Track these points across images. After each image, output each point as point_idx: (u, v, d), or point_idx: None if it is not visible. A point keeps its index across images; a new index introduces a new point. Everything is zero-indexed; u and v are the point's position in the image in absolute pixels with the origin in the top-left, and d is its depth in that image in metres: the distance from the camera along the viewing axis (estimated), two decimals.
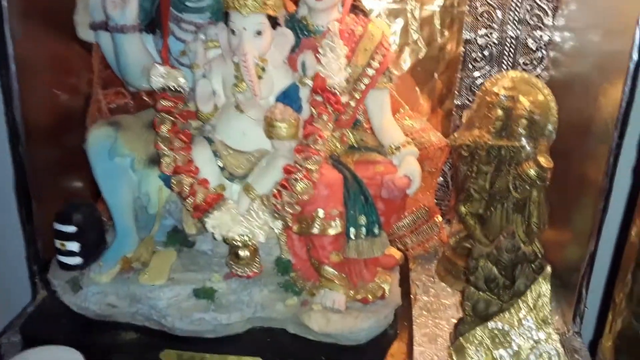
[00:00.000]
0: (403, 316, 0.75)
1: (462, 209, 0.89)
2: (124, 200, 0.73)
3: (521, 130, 0.81)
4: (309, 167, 0.65)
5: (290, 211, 0.66)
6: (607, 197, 0.74)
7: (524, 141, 0.82)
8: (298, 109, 0.70)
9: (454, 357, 0.68)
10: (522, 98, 0.82)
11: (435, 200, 1.05)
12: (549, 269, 0.64)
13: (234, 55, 0.66)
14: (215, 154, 0.69)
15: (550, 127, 0.82)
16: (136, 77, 0.73)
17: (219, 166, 0.69)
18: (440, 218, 0.98)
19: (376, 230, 0.70)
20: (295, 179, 0.65)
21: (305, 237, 0.70)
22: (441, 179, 1.07)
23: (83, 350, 0.66)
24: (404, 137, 0.75)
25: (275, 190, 0.66)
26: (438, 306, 0.85)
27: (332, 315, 0.68)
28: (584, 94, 0.81)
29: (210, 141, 0.69)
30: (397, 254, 0.80)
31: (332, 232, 0.67)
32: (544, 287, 0.64)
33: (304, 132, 0.67)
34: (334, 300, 0.69)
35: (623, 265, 0.54)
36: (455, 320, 0.82)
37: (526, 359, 0.64)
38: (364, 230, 0.69)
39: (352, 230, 0.69)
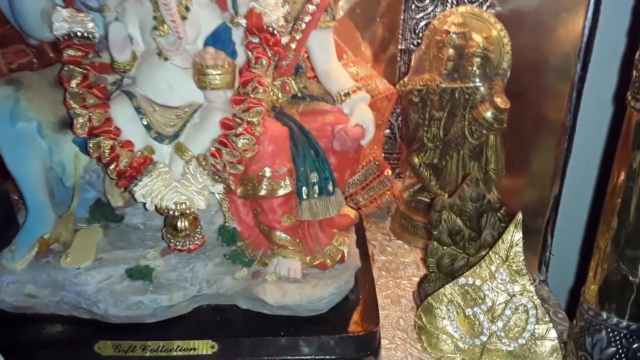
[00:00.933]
0: (364, 279, 0.68)
1: (415, 159, 0.83)
2: (33, 172, 0.62)
3: (475, 70, 0.76)
4: (250, 119, 0.57)
5: (233, 172, 0.57)
6: (571, 137, 0.69)
7: (478, 82, 0.76)
8: (232, 53, 0.60)
9: (423, 319, 0.63)
10: (474, 35, 0.76)
11: (384, 154, 0.99)
12: (520, 215, 0.59)
13: None
14: (139, 110, 0.58)
15: (504, 64, 0.77)
16: (36, 24, 0.61)
17: (144, 125, 0.59)
18: (390, 172, 0.92)
19: (330, 188, 0.62)
20: (236, 134, 0.56)
21: (252, 201, 0.62)
22: (388, 131, 1.01)
23: (1, 350, 0.56)
24: (353, 81, 0.67)
25: (213, 149, 0.57)
26: (397, 265, 0.80)
27: (289, 286, 0.60)
28: (537, 28, 0.76)
29: (131, 96, 0.59)
30: (352, 213, 0.73)
31: (282, 192, 0.59)
32: (516, 236, 0.59)
33: (240, 79, 0.58)
34: (289, 268, 0.61)
35: (606, 208, 0.49)
36: (416, 279, 0.77)
37: (501, 314, 0.59)
38: (317, 188, 0.62)
39: (303, 189, 0.61)
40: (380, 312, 0.69)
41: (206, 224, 0.64)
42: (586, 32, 0.64)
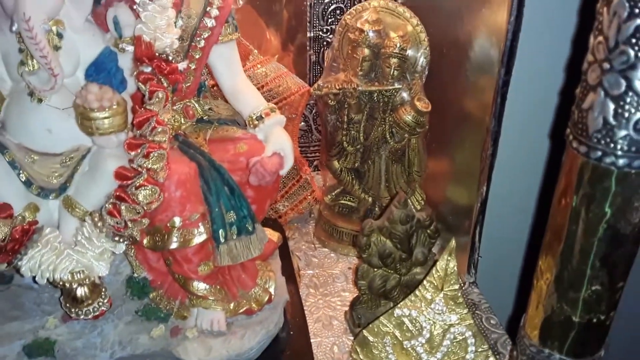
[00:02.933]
0: (293, 308, 0.64)
1: (336, 164, 0.78)
2: None
3: (393, 72, 0.71)
4: (150, 166, 0.49)
5: (136, 229, 0.50)
6: (496, 141, 0.66)
7: (397, 84, 0.72)
8: (120, 83, 0.52)
9: (360, 353, 0.59)
10: (391, 33, 0.70)
11: (300, 148, 0.93)
12: (453, 242, 0.56)
13: (12, 22, 0.46)
14: (13, 164, 0.49)
15: (422, 61, 0.72)
16: None
17: (23, 181, 0.49)
18: (309, 170, 0.87)
19: (250, 226, 0.56)
20: (135, 186, 0.49)
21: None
22: (303, 123, 0.95)
23: None
24: (265, 102, 0.60)
25: (109, 206, 0.49)
26: (325, 279, 0.76)
27: (213, 341, 0.55)
28: (456, 21, 0.71)
29: (2, 149, 0.49)
30: (275, 236, 0.68)
31: (196, 241, 0.52)
32: (450, 264, 0.56)
33: (135, 119, 0.50)
34: (211, 320, 0.56)
35: (546, 248, 0.47)
36: (346, 294, 0.73)
37: (440, 344, 0.57)
38: (235, 229, 0.56)
39: (220, 232, 0.55)
40: (312, 340, 0.66)
41: (111, 275, 0.57)
42: (509, 35, 0.60)
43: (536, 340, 0.50)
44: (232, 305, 0.57)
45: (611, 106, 0.39)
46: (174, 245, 0.52)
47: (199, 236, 0.52)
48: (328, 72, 0.75)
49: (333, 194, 0.82)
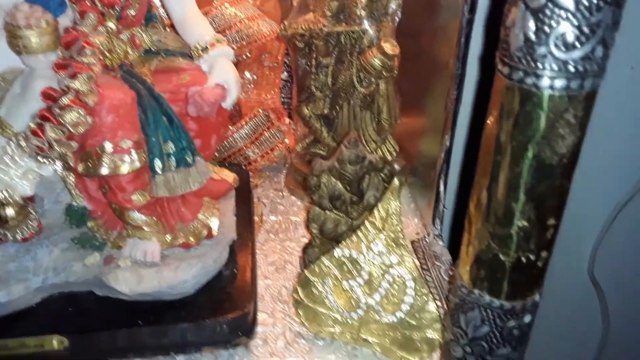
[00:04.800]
0: (243, 250, 0.63)
1: (305, 110, 0.76)
2: None
3: (361, 11, 0.68)
4: (77, 87, 0.48)
5: (64, 150, 0.49)
6: (460, 85, 0.64)
7: (365, 24, 0.69)
8: (58, 6, 0.51)
9: (300, 293, 0.58)
10: None
11: (283, 99, 0.92)
12: (396, 182, 0.54)
13: None
14: None
15: (393, 4, 0.69)
16: None
17: None
18: (287, 120, 0.86)
19: (189, 159, 0.55)
20: (61, 107, 0.48)
21: (99, 178, 0.54)
22: (286, 74, 0.93)
23: None
24: (213, 32, 0.58)
25: (33, 125, 0.48)
26: (287, 226, 0.75)
27: (145, 271, 0.54)
28: None
29: None
30: (230, 177, 0.66)
31: (126, 169, 0.51)
32: (392, 205, 0.54)
33: (63, 39, 0.49)
34: (145, 251, 0.55)
35: (477, 180, 0.44)
36: (306, 240, 0.72)
37: (378, 286, 0.55)
38: (173, 160, 0.55)
39: (157, 162, 0.54)
40: (262, 281, 0.65)
41: (51, 203, 0.57)
42: None
43: (467, 281, 0.48)
44: (168, 237, 0.56)
45: (531, 20, 0.36)
46: (104, 171, 0.51)
47: (131, 164, 0.51)
48: (297, 13, 0.73)
49: (305, 142, 0.80)
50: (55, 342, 0.52)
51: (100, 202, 0.57)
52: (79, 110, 0.48)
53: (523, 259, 0.44)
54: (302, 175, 0.79)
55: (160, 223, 0.56)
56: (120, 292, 0.54)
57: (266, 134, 0.81)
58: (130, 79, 0.55)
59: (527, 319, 0.47)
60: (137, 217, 0.54)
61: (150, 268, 0.54)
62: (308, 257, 0.65)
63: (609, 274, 1.09)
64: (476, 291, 0.47)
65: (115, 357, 0.54)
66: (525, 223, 0.42)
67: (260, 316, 0.60)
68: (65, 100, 0.48)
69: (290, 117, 0.88)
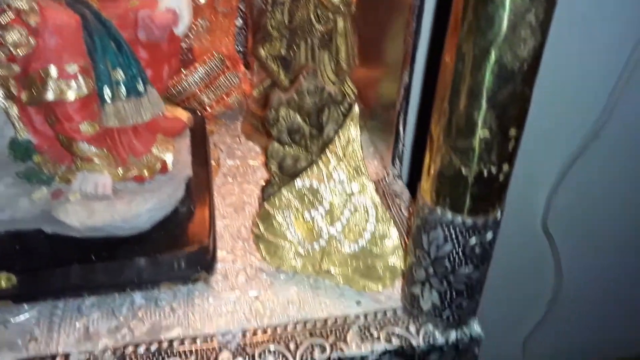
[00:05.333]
0: (200, 188, 0.61)
1: (261, 51, 0.74)
2: None
3: None
4: (18, 5, 0.45)
5: (4, 72, 0.46)
6: (419, 18, 0.63)
7: None
8: None
9: (260, 227, 0.57)
10: None
11: (237, 49, 0.89)
12: (356, 109, 0.53)
13: None
14: None
15: None
16: None
17: None
18: (242, 69, 0.83)
19: (140, 87, 0.53)
20: (1, 26, 0.45)
21: (45, 108, 0.52)
22: (240, 21, 0.90)
23: None
24: None
25: None
26: (245, 169, 0.73)
27: (96, 204, 0.52)
28: None
29: None
30: (184, 115, 0.64)
31: (72, 95, 0.49)
32: (352, 131, 0.53)
33: None
34: (96, 183, 0.53)
35: (438, 94, 0.44)
36: (264, 183, 0.70)
37: (340, 215, 0.54)
38: (123, 88, 0.52)
39: (106, 90, 0.51)
40: (221, 221, 0.63)
41: None
42: None
43: (429, 200, 0.47)
44: (120, 170, 0.54)
45: None
46: (49, 96, 0.48)
47: (77, 90, 0.49)
48: None
49: (261, 86, 0.78)
50: (3, 280, 0.50)
51: (46, 136, 0.54)
52: (21, 29, 0.45)
53: (485, 172, 0.44)
54: (260, 120, 0.78)
55: (111, 156, 0.53)
56: (70, 228, 0.52)
57: (221, 78, 0.79)
58: (74, 4, 0.52)
59: (489, 235, 0.48)
60: (87, 148, 0.52)
61: (102, 201, 0.52)
62: (267, 195, 0.64)
63: (562, 226, 1.11)
64: (439, 209, 0.47)
65: (68, 295, 0.52)
66: (487, 133, 0.42)
67: (220, 254, 0.59)
68: (5, 18, 0.45)
69: (245, 65, 0.86)
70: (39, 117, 0.53)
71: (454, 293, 0.50)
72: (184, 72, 0.77)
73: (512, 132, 0.42)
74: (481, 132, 0.42)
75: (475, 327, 0.53)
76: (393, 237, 0.54)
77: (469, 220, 0.46)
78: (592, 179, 1.05)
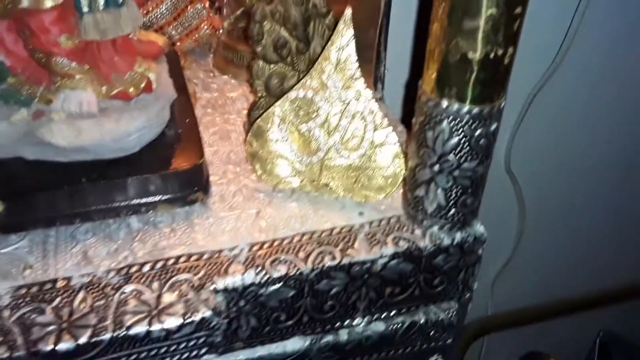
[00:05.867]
0: (182, 113, 0.58)
1: None
2: None
3: None
4: None
5: None
6: None
7: None
8: None
9: (254, 144, 0.55)
10: None
11: None
12: (349, 11, 0.51)
13: None
14: None
15: None
16: None
17: None
18: (206, 3, 0.80)
19: None
20: None
21: (17, 24, 0.48)
22: None
23: None
24: None
25: None
26: (224, 101, 0.71)
27: (83, 123, 0.49)
28: None
29: None
30: (160, 39, 0.61)
31: (50, 3, 0.45)
32: (346, 36, 0.51)
33: None
34: (80, 101, 0.49)
35: None
36: (246, 113, 0.68)
37: (337, 125, 0.53)
38: None
39: (83, 0, 0.48)
40: (208, 149, 0.61)
41: None
42: None
43: (433, 93, 0.47)
44: (104, 89, 0.51)
45: None
46: (24, 3, 0.44)
47: None
48: None
49: (232, 17, 0.76)
50: None
51: (20, 57, 0.50)
52: None
53: (491, 55, 0.43)
54: (233, 52, 0.75)
55: (93, 72, 0.50)
56: (55, 151, 0.49)
57: (189, 11, 0.76)
58: None
59: (493, 126, 0.48)
60: (67, 63, 0.48)
61: (88, 120, 0.49)
62: (253, 118, 0.62)
63: (524, 166, 1.13)
64: (444, 101, 0.46)
65: (60, 222, 0.49)
66: (494, 10, 0.41)
67: (212, 178, 0.57)
68: None
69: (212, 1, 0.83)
70: (10, 35, 0.49)
71: (459, 190, 0.50)
72: (150, 4, 0.73)
73: (518, 9, 0.42)
74: (488, 10, 0.41)
75: (479, 228, 0.54)
76: (393, 143, 0.53)
77: (475, 110, 0.46)
78: (553, 117, 1.07)
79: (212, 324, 0.45)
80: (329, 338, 0.54)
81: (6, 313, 0.42)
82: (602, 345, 1.50)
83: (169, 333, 0.43)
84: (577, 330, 1.44)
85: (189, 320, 0.43)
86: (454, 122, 0.47)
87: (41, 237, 0.49)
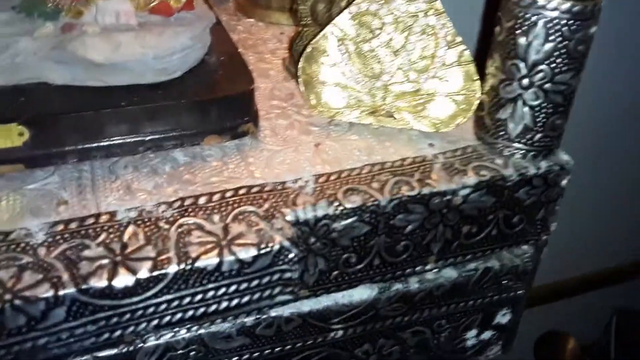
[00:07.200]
0: (221, 41, 0.51)
1: None
2: None
3: None
4: None
5: None
6: None
7: None
8: None
9: (307, 70, 0.49)
10: None
11: None
12: None
13: None
14: None
15: None
16: None
17: None
18: None
19: None
20: None
21: None
22: None
23: None
24: None
25: None
26: (254, 42, 0.64)
27: (121, 36, 0.42)
28: None
29: None
30: None
31: None
32: None
33: None
34: (117, 12, 0.42)
35: None
36: (282, 51, 0.62)
37: (405, 44, 0.47)
38: None
39: None
40: None
41: None
42: None
43: None
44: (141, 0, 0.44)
45: None
46: None
47: None
48: None
49: None
50: (15, 135, 0.39)
51: None
52: None
53: None
54: None
55: None
56: (87, 72, 0.42)
57: None
58: None
59: (593, 29, 0.42)
60: None
61: (126, 32, 0.42)
62: (297, 50, 0.56)
63: None
64: None
65: (95, 155, 0.42)
66: None
67: (260, 113, 0.50)
68: None
69: None
70: None
71: (549, 108, 0.44)
72: None
73: None
74: None
75: (564, 156, 0.48)
76: (467, 63, 0.47)
77: (577, 7, 0.40)
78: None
79: (290, 257, 0.38)
80: (398, 286, 0.48)
81: (42, 251, 0.35)
82: (618, 322, 1.47)
83: (242, 266, 0.36)
84: (592, 308, 1.40)
85: (265, 250, 0.37)
86: (551, 23, 0.41)
87: (73, 172, 0.41)
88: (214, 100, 0.44)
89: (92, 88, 0.42)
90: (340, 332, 0.48)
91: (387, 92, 0.48)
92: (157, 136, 0.43)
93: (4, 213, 0.37)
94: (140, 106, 0.41)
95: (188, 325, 0.40)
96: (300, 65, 0.49)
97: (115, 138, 0.42)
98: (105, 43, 0.41)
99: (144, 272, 0.34)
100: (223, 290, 0.36)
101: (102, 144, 0.42)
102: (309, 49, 0.48)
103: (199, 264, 0.35)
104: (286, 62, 0.58)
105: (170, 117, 0.43)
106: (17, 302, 0.31)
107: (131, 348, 0.38)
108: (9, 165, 0.40)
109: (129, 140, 0.42)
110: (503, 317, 0.57)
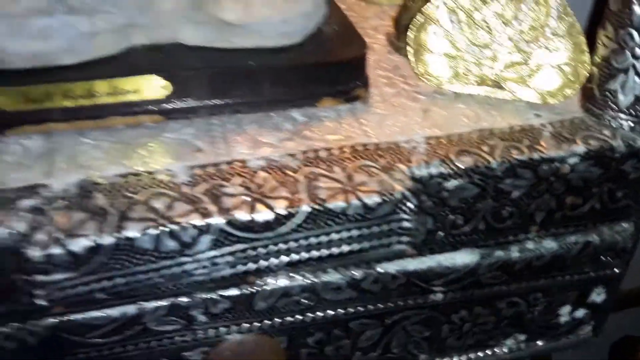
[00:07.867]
0: (332, 11, 0.54)
1: None
2: None
3: None
4: None
5: None
6: None
7: None
8: None
9: (417, 38, 0.50)
10: None
11: None
12: None
13: None
14: None
15: None
16: None
17: None
18: None
19: None
20: None
21: None
22: None
23: None
24: None
25: None
26: (357, 19, 0.66)
27: None
28: None
29: None
30: None
31: None
32: None
33: None
34: None
35: None
36: (384, 28, 0.64)
37: (517, 12, 0.48)
38: None
39: None
40: None
41: None
42: None
43: None
44: None
45: None
46: None
47: None
48: None
49: None
50: (158, 87, 0.43)
51: None
52: None
53: None
54: None
55: None
56: (217, 34, 0.45)
57: None
58: None
59: None
60: None
61: None
62: (403, 25, 0.58)
63: None
64: None
65: (225, 111, 0.45)
66: None
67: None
68: None
69: None
70: None
71: None
72: None
73: None
74: None
75: None
76: (577, 34, 0.48)
77: None
78: None
79: (409, 206, 0.40)
80: (500, 253, 0.49)
81: (186, 188, 0.38)
82: None
83: (366, 210, 0.38)
84: None
85: (387, 197, 0.39)
86: None
87: (205, 125, 0.45)
88: (330, 65, 0.47)
89: (221, 49, 0.46)
90: (440, 296, 0.50)
91: (495, 62, 0.50)
92: (278, 97, 0.46)
93: (148, 156, 0.40)
94: (266, 68, 0.45)
95: (304, 273, 0.42)
96: (409, 34, 0.51)
97: (242, 96, 0.45)
98: (236, 4, 0.44)
99: (280, 209, 0.36)
100: (347, 233, 0.39)
101: (230, 101, 0.45)
102: (419, 18, 0.50)
103: (328, 205, 0.37)
104: (391, 36, 0.60)
105: (290, 80, 0.46)
106: (172, 226, 0.34)
107: (253, 290, 0.41)
108: (148, 116, 0.43)
109: (254, 99, 0.45)
110: (598, 296, 0.57)
